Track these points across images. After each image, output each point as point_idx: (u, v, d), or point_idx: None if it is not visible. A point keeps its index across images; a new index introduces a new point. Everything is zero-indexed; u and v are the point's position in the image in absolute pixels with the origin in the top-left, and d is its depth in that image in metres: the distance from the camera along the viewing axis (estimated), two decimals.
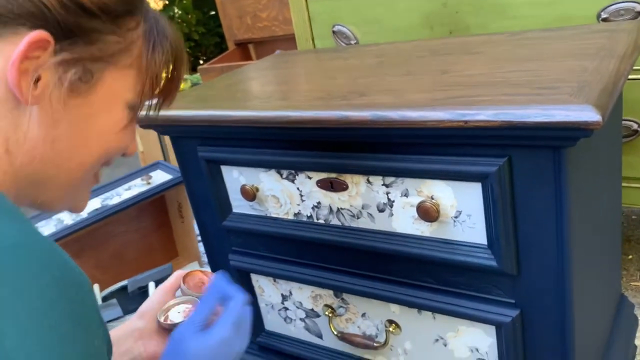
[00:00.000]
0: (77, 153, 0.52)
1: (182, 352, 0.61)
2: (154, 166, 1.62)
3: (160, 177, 1.59)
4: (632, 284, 1.33)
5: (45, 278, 0.39)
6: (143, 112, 0.59)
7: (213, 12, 4.72)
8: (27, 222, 0.43)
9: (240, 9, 2.58)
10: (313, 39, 1.41)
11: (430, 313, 0.85)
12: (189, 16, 4.36)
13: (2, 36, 0.46)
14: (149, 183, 1.56)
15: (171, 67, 0.56)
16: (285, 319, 1.05)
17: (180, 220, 1.63)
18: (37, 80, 0.47)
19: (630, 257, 1.42)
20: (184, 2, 4.34)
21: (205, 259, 1.81)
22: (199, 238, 1.86)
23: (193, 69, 4.51)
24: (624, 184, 1.14)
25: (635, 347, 1.09)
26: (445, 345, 0.86)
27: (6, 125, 0.47)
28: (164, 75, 0.56)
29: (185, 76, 3.93)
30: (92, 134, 0.52)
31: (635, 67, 0.96)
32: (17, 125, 0.47)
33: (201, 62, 4.72)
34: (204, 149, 0.96)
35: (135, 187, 1.53)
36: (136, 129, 0.61)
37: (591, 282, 0.83)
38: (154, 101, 0.58)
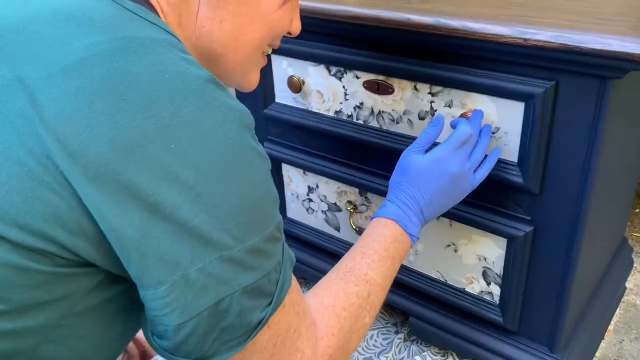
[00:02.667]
0: (243, 33, 0.56)
1: (404, 167, 0.75)
2: None
3: None
4: (634, 234, 1.40)
5: (231, 113, 0.46)
6: None
7: None
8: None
9: None
10: None
11: (448, 220, 0.91)
12: None
13: None
14: None
15: None
16: (307, 210, 1.12)
17: None
18: None
19: (637, 211, 1.48)
20: None
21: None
22: None
23: None
24: None
25: (625, 288, 1.17)
26: (455, 251, 0.93)
27: (180, 4, 0.52)
28: None
29: None
30: (255, 13, 0.56)
31: None
32: (189, 5, 0.53)
33: None
34: None
35: None
36: (299, 9, 0.64)
37: (602, 216, 0.89)
38: None
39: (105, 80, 0.40)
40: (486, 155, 0.77)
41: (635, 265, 1.26)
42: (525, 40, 0.68)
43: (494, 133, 0.79)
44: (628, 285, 1.20)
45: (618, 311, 1.15)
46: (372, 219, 0.74)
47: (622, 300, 1.17)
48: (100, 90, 0.40)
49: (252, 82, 0.65)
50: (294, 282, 0.53)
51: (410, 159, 0.75)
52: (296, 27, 0.65)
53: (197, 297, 0.44)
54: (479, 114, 0.77)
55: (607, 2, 0.76)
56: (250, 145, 0.47)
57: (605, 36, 0.64)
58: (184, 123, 0.42)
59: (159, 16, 0.52)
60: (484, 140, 0.76)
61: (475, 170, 0.76)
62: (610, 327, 1.12)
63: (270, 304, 0.48)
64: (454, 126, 0.76)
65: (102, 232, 0.41)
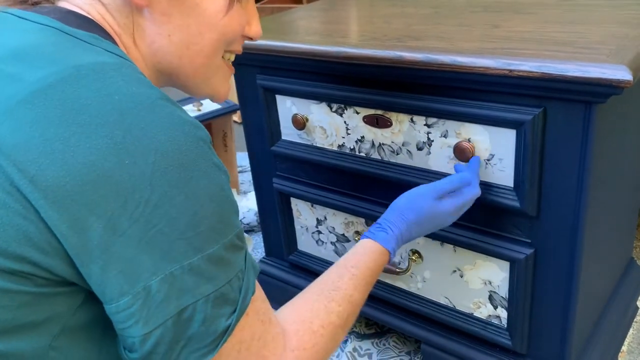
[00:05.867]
0: (194, 42, 0.59)
1: (414, 206, 0.77)
2: None
3: (210, 105, 1.68)
4: None
5: (186, 126, 0.48)
6: None
7: None
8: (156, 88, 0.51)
9: None
10: None
11: (451, 246, 0.94)
12: None
13: None
14: (199, 110, 1.65)
15: None
16: (317, 241, 1.16)
17: (224, 149, 1.74)
18: None
19: None
20: None
21: (243, 188, 1.92)
22: (240, 169, 1.98)
23: None
24: None
25: (637, 307, 1.17)
26: (461, 276, 0.95)
27: (129, 24, 0.56)
28: None
29: None
30: (202, 22, 0.58)
31: None
32: (137, 24, 0.57)
33: None
34: (262, 77, 1.04)
35: (188, 112, 1.63)
36: (256, 13, 0.66)
37: (603, 236, 0.91)
38: None
39: (57, 107, 0.44)
40: None
41: None
42: (511, 71, 0.72)
43: (488, 160, 0.83)
44: None
45: (631, 331, 1.15)
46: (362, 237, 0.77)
47: (635, 320, 1.17)
48: (53, 117, 0.43)
49: (219, 89, 0.66)
50: (259, 291, 0.55)
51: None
52: (255, 31, 0.66)
53: (160, 307, 0.46)
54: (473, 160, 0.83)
55: (587, 31, 0.80)
56: (205, 156, 0.48)
57: (585, 64, 0.67)
58: (137, 138, 0.44)
59: (114, 40, 0.55)
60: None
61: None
62: (624, 348, 1.11)
63: (235, 311, 0.50)
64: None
65: (67, 251, 0.44)
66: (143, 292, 0.45)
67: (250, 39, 0.66)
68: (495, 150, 0.81)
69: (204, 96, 0.66)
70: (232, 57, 0.67)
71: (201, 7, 0.57)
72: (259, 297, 0.55)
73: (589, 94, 0.69)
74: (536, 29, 0.85)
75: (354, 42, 0.90)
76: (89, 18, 0.54)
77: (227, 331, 0.50)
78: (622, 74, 0.64)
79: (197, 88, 0.63)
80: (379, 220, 0.78)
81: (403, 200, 0.78)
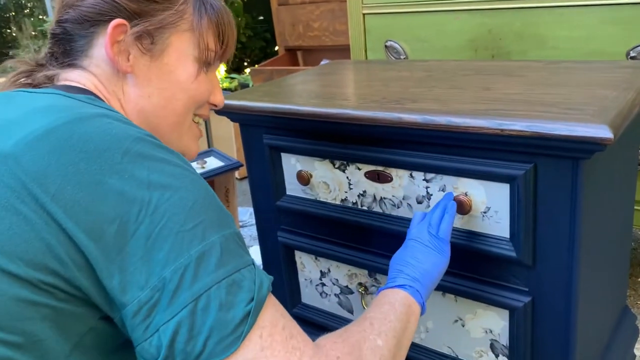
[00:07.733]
0: (169, 102, 0.72)
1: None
2: (209, 153, 1.78)
3: (213, 162, 1.74)
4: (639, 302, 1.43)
5: (172, 151, 0.60)
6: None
7: (261, 17, 4.91)
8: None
9: (294, 17, 2.76)
10: (366, 51, 1.56)
11: (452, 296, 0.97)
12: (239, 19, 4.56)
13: (97, 33, 0.69)
14: (203, 167, 1.71)
15: (219, 28, 0.75)
16: (321, 294, 1.19)
17: (226, 204, 1.78)
18: (128, 55, 0.68)
19: None
20: (236, 5, 4.54)
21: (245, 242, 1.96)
22: (240, 224, 2.02)
23: (236, 70, 4.70)
24: (637, 207, 1.25)
25: (634, 355, 1.19)
26: (463, 325, 0.98)
27: (117, 90, 0.70)
28: (215, 35, 0.75)
29: (234, 76, 4.08)
30: (176, 85, 0.72)
31: None
32: (123, 89, 0.70)
33: (245, 63, 4.90)
34: (269, 137, 1.10)
35: None
36: (219, 85, 0.79)
37: (597, 283, 0.95)
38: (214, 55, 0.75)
39: (67, 140, 0.54)
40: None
41: None
42: (502, 130, 0.78)
43: (485, 212, 0.88)
44: (637, 352, 1.22)
45: None
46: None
47: None
48: (64, 148, 0.54)
49: (189, 147, 0.78)
50: (276, 300, 0.59)
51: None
52: (218, 100, 0.80)
53: (175, 296, 0.52)
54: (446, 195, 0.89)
55: (570, 93, 0.87)
56: (192, 170, 0.59)
57: (571, 123, 0.74)
58: (133, 157, 0.55)
59: (107, 102, 0.68)
60: (440, 202, 0.86)
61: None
62: None
63: (252, 299, 0.54)
64: None
65: (87, 258, 0.52)
66: (159, 284, 0.52)
67: (215, 106, 0.80)
68: (491, 203, 0.86)
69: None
70: (201, 121, 0.80)
71: (175, 73, 0.72)
72: (277, 302, 0.59)
73: (575, 151, 0.75)
74: (524, 91, 0.92)
75: (355, 105, 0.97)
76: (84, 88, 0.69)
77: (247, 318, 0.53)
78: (605, 133, 0.70)
79: (171, 144, 0.73)
80: (413, 276, 0.79)
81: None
